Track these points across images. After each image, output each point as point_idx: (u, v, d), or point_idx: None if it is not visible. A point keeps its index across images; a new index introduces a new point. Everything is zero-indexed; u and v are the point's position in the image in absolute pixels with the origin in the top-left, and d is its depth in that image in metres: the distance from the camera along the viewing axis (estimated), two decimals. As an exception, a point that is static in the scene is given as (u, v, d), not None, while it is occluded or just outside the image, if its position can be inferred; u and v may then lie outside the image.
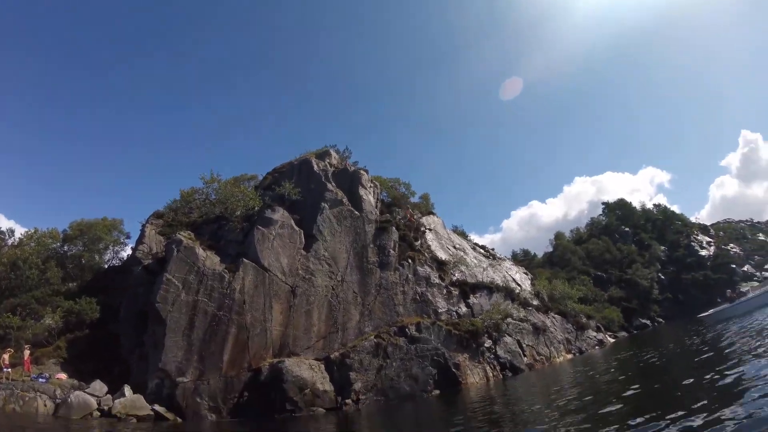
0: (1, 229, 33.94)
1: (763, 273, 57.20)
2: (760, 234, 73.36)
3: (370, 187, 29.41)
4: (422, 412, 17.97)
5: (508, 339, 27.52)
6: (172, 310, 22.15)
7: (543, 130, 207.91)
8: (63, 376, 20.61)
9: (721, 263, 58.41)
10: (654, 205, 72.70)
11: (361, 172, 29.40)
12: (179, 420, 19.90)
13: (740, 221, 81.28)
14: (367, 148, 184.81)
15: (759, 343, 10.05)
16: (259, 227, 25.79)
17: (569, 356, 31.53)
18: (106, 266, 32.15)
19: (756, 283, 45.48)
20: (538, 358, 28.91)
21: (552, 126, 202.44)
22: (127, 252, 32.54)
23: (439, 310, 26.51)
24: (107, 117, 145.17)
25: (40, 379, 19.26)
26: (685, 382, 10.18)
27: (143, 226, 29.48)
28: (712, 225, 76.12)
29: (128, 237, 34.22)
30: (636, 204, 70.87)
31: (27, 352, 20.17)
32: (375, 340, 24.30)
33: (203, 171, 31.85)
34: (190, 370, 21.31)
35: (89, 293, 26.03)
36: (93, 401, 19.01)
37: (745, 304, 22.68)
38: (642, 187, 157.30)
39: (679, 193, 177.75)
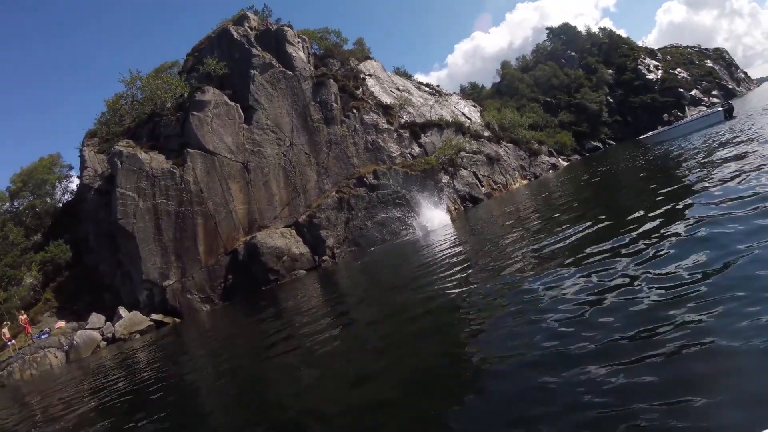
0: None
1: (711, 99, 58.35)
2: (708, 60, 72.63)
3: (298, 42, 27.33)
4: (394, 252, 18.93)
5: (464, 172, 28.60)
6: (136, 221, 22.00)
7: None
8: (61, 323, 21.04)
9: (668, 87, 58.63)
10: (600, 29, 70.53)
11: (285, 28, 27.01)
12: (178, 320, 20.95)
13: (688, 47, 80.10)
14: (288, 4, 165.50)
15: (696, 167, 10.69)
16: (194, 113, 24.49)
17: (525, 182, 33.31)
18: (60, 205, 31.30)
19: (704, 108, 46.75)
20: (495, 186, 30.48)
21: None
22: (75, 182, 31.52)
23: (393, 155, 26.80)
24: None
25: (43, 336, 19.71)
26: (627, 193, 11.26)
27: (80, 150, 28.13)
28: (659, 49, 75.08)
29: (71, 168, 33.22)
30: (581, 28, 68.43)
31: (22, 317, 20.31)
32: (336, 195, 24.90)
33: (123, 74, 29.17)
34: (172, 272, 21.88)
35: (55, 237, 25.80)
36: (96, 334, 19.76)
37: (681, 127, 23.18)
38: (586, 11, 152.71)
39: (625, 17, 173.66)
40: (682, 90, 58.70)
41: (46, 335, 19.82)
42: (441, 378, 4.04)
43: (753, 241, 4.17)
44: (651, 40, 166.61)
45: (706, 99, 58.84)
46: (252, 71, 25.48)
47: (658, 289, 3.96)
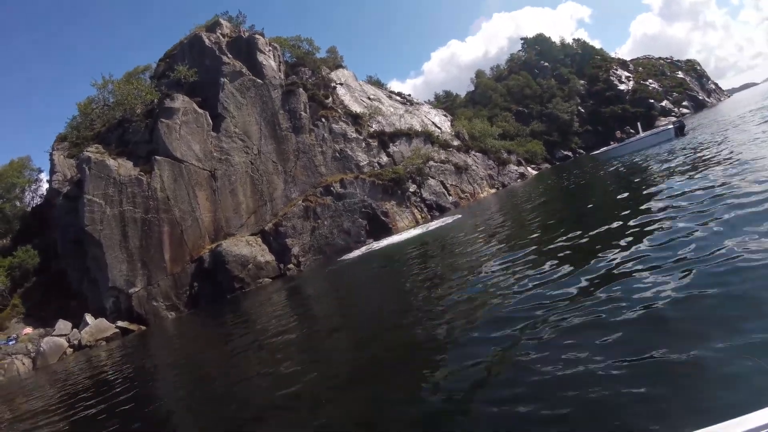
0: None
1: (681, 109, 59.95)
2: (679, 72, 73.99)
3: (270, 50, 27.53)
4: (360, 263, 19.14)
5: (431, 181, 29.19)
6: (103, 228, 21.94)
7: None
8: (29, 330, 20.90)
9: (639, 97, 60.10)
10: (574, 39, 72.09)
11: (257, 36, 27.18)
12: (143, 328, 20.96)
13: (660, 58, 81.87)
14: (265, 10, 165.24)
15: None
16: (163, 120, 24.49)
17: (492, 191, 34.08)
18: (29, 209, 30.96)
19: (665, 119, 47.68)
20: (462, 195, 31.15)
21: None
22: (45, 187, 31.26)
23: (361, 164, 27.26)
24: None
25: (10, 342, 19.53)
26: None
27: (50, 154, 27.76)
28: (631, 60, 76.71)
29: (41, 171, 33.05)
30: (555, 39, 70.06)
31: None
32: (303, 203, 25.19)
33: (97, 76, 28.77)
34: (138, 279, 21.88)
35: (23, 242, 25.50)
36: (63, 341, 19.65)
37: (633, 144, 24.01)
38: (562, 22, 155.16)
39: (599, 29, 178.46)
40: (652, 101, 59.95)
41: (14, 341, 19.68)
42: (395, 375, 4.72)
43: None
44: (625, 51, 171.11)
45: (676, 110, 60.38)
46: (222, 79, 25.62)
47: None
